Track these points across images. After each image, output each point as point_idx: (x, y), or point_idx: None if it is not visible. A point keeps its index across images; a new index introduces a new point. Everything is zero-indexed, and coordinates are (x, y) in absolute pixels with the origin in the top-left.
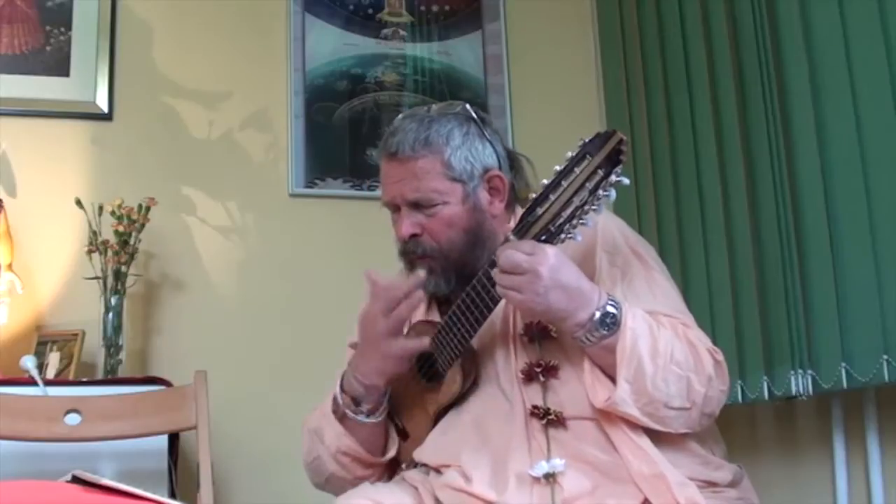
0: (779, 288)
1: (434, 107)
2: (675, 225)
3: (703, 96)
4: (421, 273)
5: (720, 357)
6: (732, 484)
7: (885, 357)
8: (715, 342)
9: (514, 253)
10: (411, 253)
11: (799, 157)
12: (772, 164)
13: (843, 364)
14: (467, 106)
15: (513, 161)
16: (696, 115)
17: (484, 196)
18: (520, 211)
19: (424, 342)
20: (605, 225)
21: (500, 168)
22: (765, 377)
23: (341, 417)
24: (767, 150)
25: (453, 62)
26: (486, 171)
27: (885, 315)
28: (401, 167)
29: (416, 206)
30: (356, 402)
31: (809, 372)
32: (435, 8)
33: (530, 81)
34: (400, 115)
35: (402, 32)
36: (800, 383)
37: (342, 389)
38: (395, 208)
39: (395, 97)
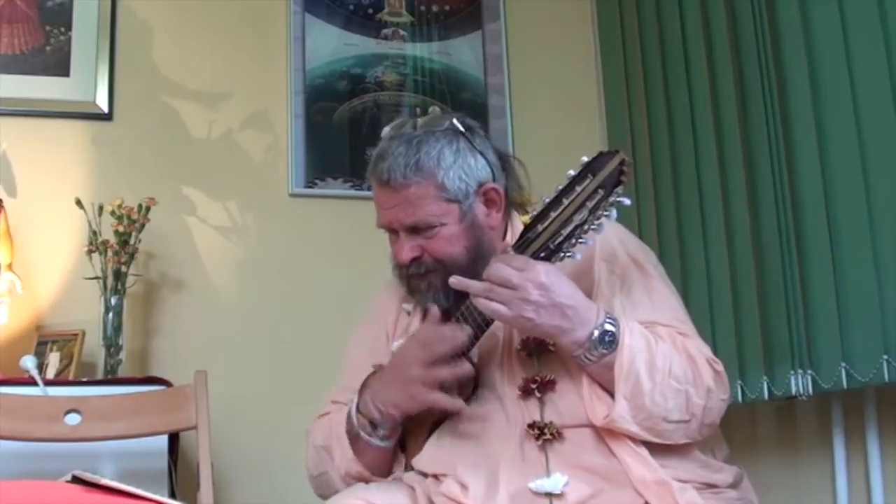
0: (779, 288)
1: (420, 122)
2: (675, 225)
3: (703, 96)
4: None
5: (720, 367)
6: (733, 485)
7: (885, 357)
8: (715, 342)
9: (504, 267)
10: (413, 274)
11: (799, 157)
12: (772, 164)
13: (843, 364)
14: (454, 120)
15: (504, 164)
16: (696, 116)
17: (481, 210)
18: (516, 216)
19: (458, 403)
20: (604, 233)
21: (493, 178)
22: (765, 377)
23: (354, 437)
24: (767, 150)
25: (453, 62)
26: (481, 185)
27: (885, 315)
28: (394, 194)
29: (414, 230)
30: (373, 425)
31: (809, 372)
32: (435, 8)
33: (530, 81)
34: (386, 134)
35: (402, 32)
36: (800, 383)
37: (358, 410)
38: (392, 231)
39: (395, 97)
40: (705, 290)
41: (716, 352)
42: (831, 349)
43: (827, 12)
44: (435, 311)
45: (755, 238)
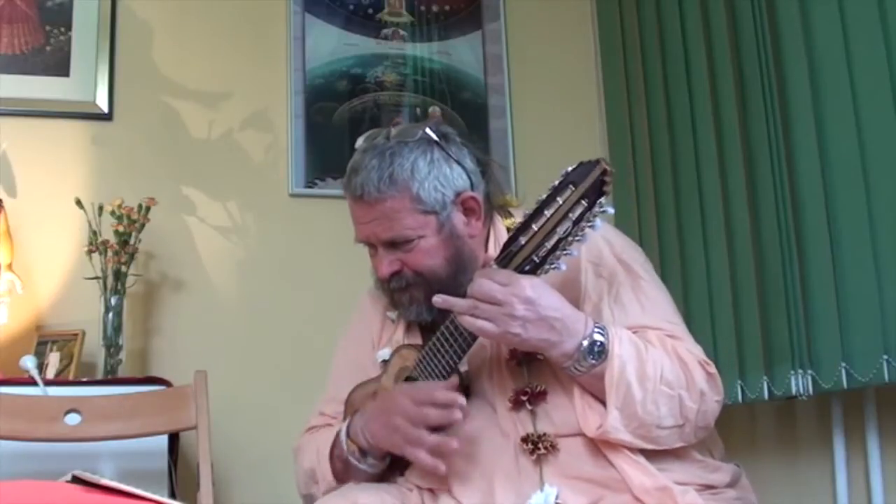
0: (779, 288)
1: (394, 132)
2: (675, 225)
3: (703, 96)
4: (461, 408)
5: (712, 369)
6: (731, 484)
7: (885, 357)
8: (715, 342)
9: (488, 282)
10: (395, 289)
11: (799, 157)
12: (772, 164)
13: (843, 364)
14: (428, 130)
15: (483, 169)
16: (696, 116)
17: (459, 219)
18: (499, 221)
19: (440, 468)
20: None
21: (471, 186)
22: (765, 377)
23: (344, 462)
24: (767, 151)
25: (453, 62)
26: (458, 194)
27: (885, 315)
28: (370, 209)
29: (392, 244)
30: (362, 452)
31: (809, 372)
32: (435, 8)
33: (530, 81)
34: (359, 146)
35: (402, 32)
36: (800, 383)
37: (348, 435)
38: (370, 245)
39: (395, 97)
40: (705, 290)
41: (716, 352)
42: (831, 349)
43: (827, 12)
44: (454, 380)
45: (755, 238)
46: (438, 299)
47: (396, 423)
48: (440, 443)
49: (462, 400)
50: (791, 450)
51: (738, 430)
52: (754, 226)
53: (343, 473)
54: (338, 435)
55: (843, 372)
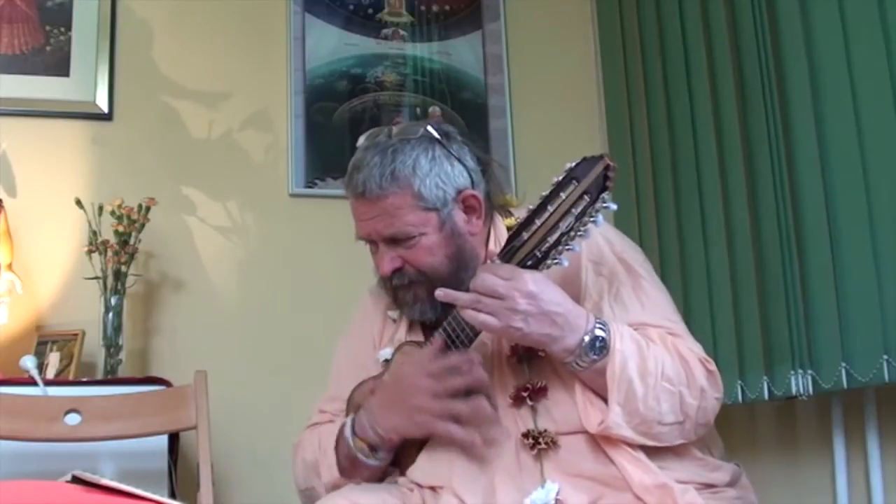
0: (779, 288)
1: (395, 130)
2: (675, 225)
3: (703, 96)
4: (481, 374)
5: (712, 367)
6: (731, 483)
7: (885, 357)
8: (715, 342)
9: (491, 276)
10: (397, 287)
11: (799, 157)
12: (772, 164)
13: (843, 364)
14: (429, 127)
15: (484, 168)
16: (696, 116)
17: (460, 217)
18: (499, 220)
19: (476, 440)
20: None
21: (472, 184)
22: (765, 377)
23: (352, 460)
24: (767, 150)
25: (453, 62)
26: (459, 192)
27: (885, 315)
28: (371, 206)
29: (394, 240)
30: (371, 448)
31: (809, 372)
32: (435, 8)
33: (530, 81)
34: (361, 143)
35: (402, 32)
36: (800, 383)
37: (354, 433)
38: (371, 242)
39: (395, 97)
40: (705, 290)
41: (716, 352)
42: (831, 349)
43: (827, 12)
44: (438, 341)
45: (755, 238)
46: (441, 293)
47: (418, 403)
48: (475, 408)
49: (476, 355)
50: (791, 450)
51: (738, 430)
52: (754, 226)
53: (349, 471)
54: (341, 433)
55: (843, 372)
